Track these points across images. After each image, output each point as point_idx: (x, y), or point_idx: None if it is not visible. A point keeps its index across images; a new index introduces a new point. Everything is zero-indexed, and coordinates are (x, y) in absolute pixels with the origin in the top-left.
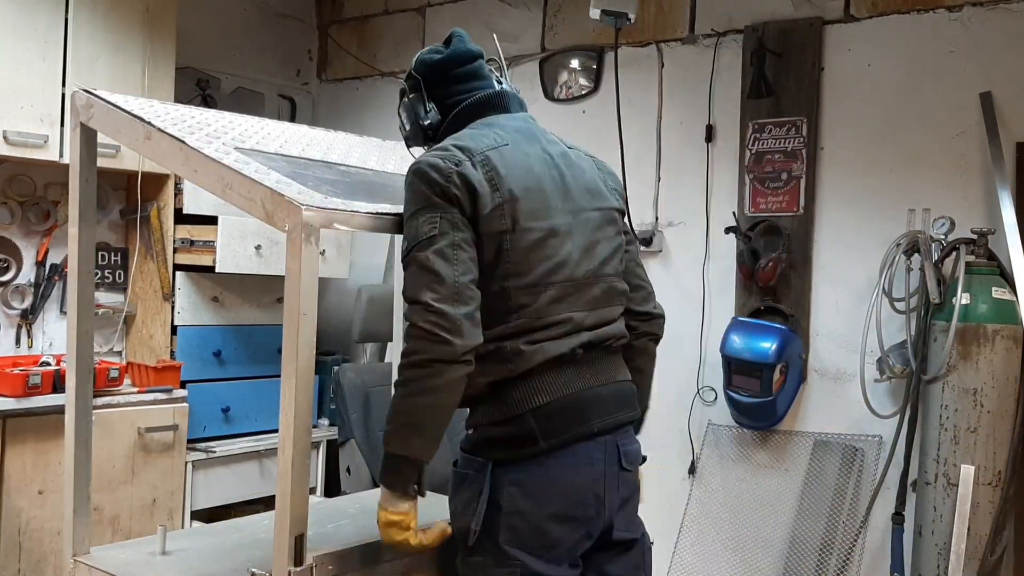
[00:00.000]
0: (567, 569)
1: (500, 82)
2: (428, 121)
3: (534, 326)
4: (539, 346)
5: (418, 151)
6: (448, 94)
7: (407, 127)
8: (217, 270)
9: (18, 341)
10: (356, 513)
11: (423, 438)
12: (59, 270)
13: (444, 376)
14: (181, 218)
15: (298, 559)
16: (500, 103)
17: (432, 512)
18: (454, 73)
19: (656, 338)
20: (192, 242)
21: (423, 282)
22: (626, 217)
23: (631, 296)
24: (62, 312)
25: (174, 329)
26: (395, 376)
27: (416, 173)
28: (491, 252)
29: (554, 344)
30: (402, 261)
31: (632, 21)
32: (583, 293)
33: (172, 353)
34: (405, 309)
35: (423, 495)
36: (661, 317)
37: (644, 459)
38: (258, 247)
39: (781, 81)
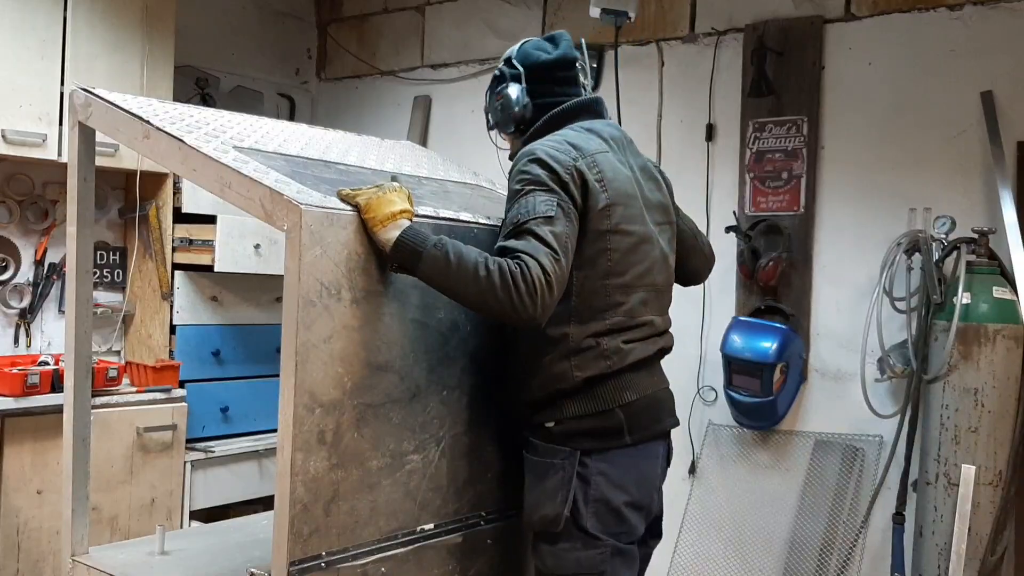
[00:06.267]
0: (635, 549)
1: (585, 87)
2: (526, 114)
3: (627, 325)
4: (632, 346)
5: (502, 141)
6: (546, 92)
7: (500, 113)
8: (216, 269)
9: (16, 340)
10: None
11: (428, 278)
12: (57, 269)
13: (494, 312)
14: (180, 217)
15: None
16: (596, 109)
17: None
18: (559, 75)
19: None
20: (191, 241)
21: (541, 250)
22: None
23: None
24: (60, 311)
25: (173, 328)
26: (484, 261)
27: (535, 159)
28: (594, 249)
29: (642, 346)
30: (509, 230)
31: (632, 20)
32: (661, 299)
33: (171, 352)
34: (510, 254)
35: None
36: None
37: None
38: (257, 246)
39: (782, 80)
